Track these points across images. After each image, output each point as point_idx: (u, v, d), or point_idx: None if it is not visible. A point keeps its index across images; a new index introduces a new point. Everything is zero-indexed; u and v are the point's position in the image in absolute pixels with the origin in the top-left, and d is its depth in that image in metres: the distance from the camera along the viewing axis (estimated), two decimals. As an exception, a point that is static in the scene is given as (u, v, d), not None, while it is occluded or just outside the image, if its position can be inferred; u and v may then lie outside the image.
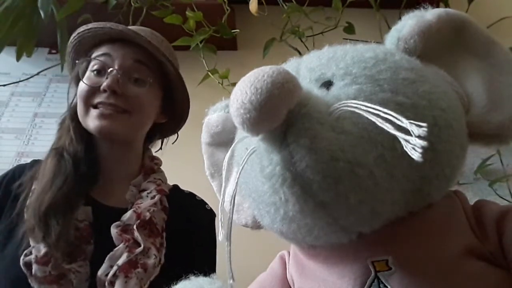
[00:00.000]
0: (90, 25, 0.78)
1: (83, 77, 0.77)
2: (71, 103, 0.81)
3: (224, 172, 0.44)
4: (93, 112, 0.74)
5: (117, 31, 0.76)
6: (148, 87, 0.77)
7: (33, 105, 1.44)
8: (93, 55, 0.78)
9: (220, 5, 1.26)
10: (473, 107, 0.45)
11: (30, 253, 0.64)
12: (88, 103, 0.75)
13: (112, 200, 0.76)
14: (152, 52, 0.77)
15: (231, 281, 0.42)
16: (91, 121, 0.74)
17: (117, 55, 0.76)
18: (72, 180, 0.71)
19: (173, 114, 0.86)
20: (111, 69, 0.75)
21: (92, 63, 0.78)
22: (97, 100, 0.74)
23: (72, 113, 0.80)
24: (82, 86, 0.76)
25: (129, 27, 0.81)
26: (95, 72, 0.77)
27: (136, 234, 0.68)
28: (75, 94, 0.80)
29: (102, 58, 0.77)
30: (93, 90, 0.75)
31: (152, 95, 0.79)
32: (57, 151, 0.75)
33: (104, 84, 0.73)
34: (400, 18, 0.48)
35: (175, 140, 0.93)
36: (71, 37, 0.80)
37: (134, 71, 0.77)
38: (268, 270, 0.52)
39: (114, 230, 0.69)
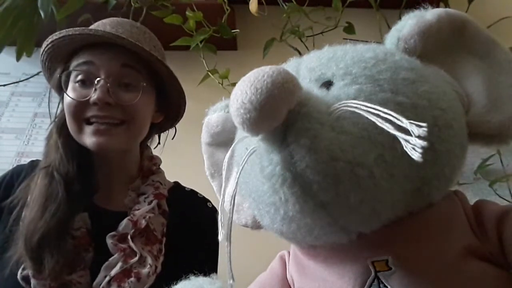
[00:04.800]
0: (63, 32, 0.69)
1: (66, 88, 0.71)
2: (55, 114, 0.76)
3: (224, 172, 0.44)
4: (87, 129, 0.69)
5: (97, 38, 0.69)
6: (141, 92, 0.71)
7: (33, 105, 1.44)
8: (74, 64, 0.71)
9: (220, 5, 1.26)
10: (473, 107, 0.45)
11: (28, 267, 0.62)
12: (80, 119, 0.69)
13: (113, 203, 0.74)
14: (137, 52, 0.71)
15: (231, 281, 0.42)
16: (87, 138, 0.69)
17: (101, 62, 0.69)
18: (66, 204, 0.66)
19: (168, 111, 0.82)
20: (98, 79, 0.68)
21: (74, 73, 0.71)
22: (89, 114, 0.68)
23: (59, 126, 0.74)
24: (69, 100, 0.70)
25: (106, 20, 0.75)
26: (79, 82, 0.70)
27: (132, 243, 0.66)
28: (58, 104, 0.75)
29: (85, 68, 0.70)
30: (82, 104, 0.69)
31: (146, 98, 0.74)
32: (47, 171, 0.69)
33: (95, 97, 0.67)
34: (400, 18, 0.48)
35: (174, 136, 0.91)
36: (44, 44, 0.72)
37: (123, 76, 0.71)
38: (268, 270, 0.52)
39: (109, 241, 0.67)
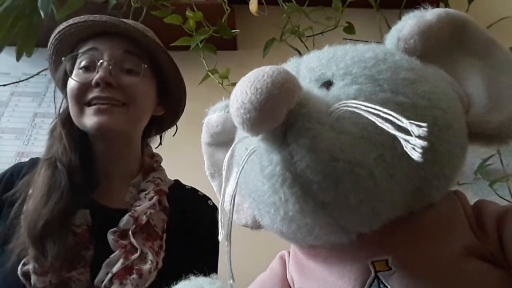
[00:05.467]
0: (70, 21, 0.72)
1: (70, 75, 0.73)
2: (60, 108, 0.78)
3: (224, 172, 0.44)
4: (89, 110, 0.70)
5: (101, 23, 0.72)
6: (142, 75, 0.73)
7: (33, 105, 1.44)
8: (79, 52, 0.74)
9: (220, 5, 1.26)
10: (473, 107, 0.45)
11: (29, 261, 0.62)
12: (82, 102, 0.71)
13: (113, 201, 0.74)
14: (140, 41, 0.74)
15: (231, 281, 0.42)
16: (88, 119, 0.70)
17: (105, 48, 0.73)
18: (69, 193, 0.67)
19: (170, 104, 0.83)
20: (101, 61, 0.71)
21: (79, 60, 0.74)
22: (91, 95, 0.70)
23: (63, 119, 0.76)
24: (72, 84, 0.72)
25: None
26: (83, 69, 0.73)
27: (133, 239, 0.67)
28: (62, 100, 0.77)
29: (89, 53, 0.73)
30: (84, 87, 0.71)
31: (147, 84, 0.76)
32: (50, 162, 0.71)
33: (96, 77, 0.69)
34: (400, 18, 0.48)
35: (175, 133, 0.91)
36: (51, 37, 0.75)
37: (125, 61, 0.73)
38: (268, 270, 0.52)
39: (110, 237, 0.67)
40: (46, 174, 0.70)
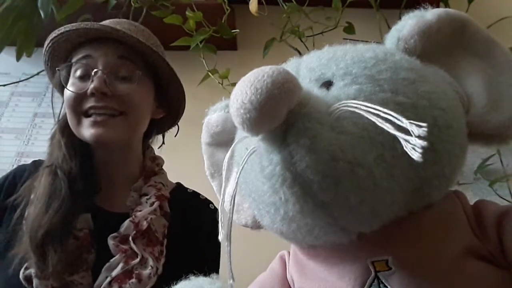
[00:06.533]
0: (62, 29, 0.71)
1: (66, 85, 0.72)
2: (59, 114, 0.78)
3: (224, 172, 0.44)
4: (86, 121, 0.70)
5: (94, 31, 0.71)
6: (137, 82, 0.72)
7: (33, 105, 1.44)
8: (73, 60, 0.74)
9: (220, 5, 1.26)
10: (473, 107, 0.45)
11: (31, 266, 0.62)
12: (78, 111, 0.71)
13: (115, 205, 0.74)
14: (134, 46, 0.73)
15: (231, 281, 0.42)
16: (85, 130, 0.70)
17: (99, 55, 0.72)
18: (69, 201, 0.67)
19: (169, 107, 0.83)
20: (95, 70, 0.70)
21: (73, 68, 0.73)
22: (87, 105, 0.70)
23: (62, 126, 0.75)
24: (68, 94, 0.72)
25: (105, 21, 0.76)
26: (78, 77, 0.72)
27: (133, 245, 0.66)
28: (62, 103, 0.76)
29: (83, 61, 0.72)
30: (80, 97, 0.70)
31: (144, 90, 0.75)
32: (51, 169, 0.71)
33: (91, 87, 0.69)
34: (400, 18, 0.48)
35: (177, 133, 0.91)
36: (45, 44, 0.75)
37: (120, 68, 0.72)
38: (268, 270, 0.52)
39: (111, 242, 0.67)
40: (47, 182, 0.69)
